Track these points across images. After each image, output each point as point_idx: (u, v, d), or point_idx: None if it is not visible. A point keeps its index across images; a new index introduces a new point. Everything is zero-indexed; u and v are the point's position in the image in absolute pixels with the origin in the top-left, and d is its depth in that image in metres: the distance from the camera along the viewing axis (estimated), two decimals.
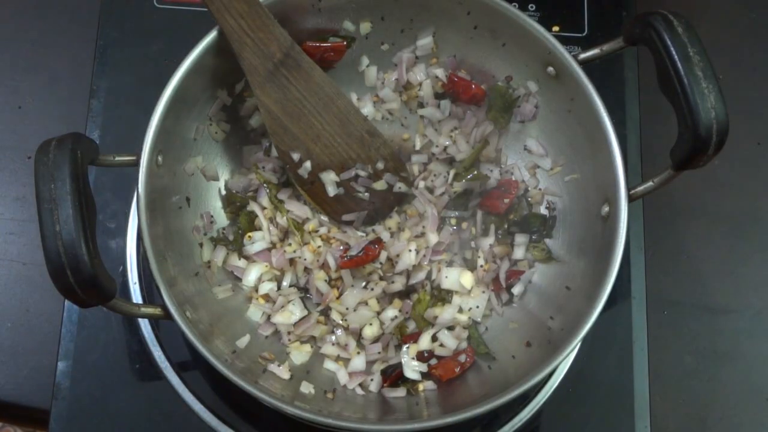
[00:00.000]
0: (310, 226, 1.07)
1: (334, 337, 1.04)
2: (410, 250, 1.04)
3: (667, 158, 0.89)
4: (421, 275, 1.05)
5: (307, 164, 1.04)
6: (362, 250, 1.02)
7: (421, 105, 1.11)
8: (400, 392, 1.01)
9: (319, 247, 1.05)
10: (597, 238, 0.96)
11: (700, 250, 1.17)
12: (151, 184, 0.92)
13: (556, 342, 0.92)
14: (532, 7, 1.19)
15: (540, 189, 1.08)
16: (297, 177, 1.05)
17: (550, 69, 0.99)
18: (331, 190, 1.05)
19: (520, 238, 1.06)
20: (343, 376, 1.02)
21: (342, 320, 1.04)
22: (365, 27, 1.07)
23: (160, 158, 0.94)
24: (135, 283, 1.06)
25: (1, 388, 1.08)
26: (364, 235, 1.07)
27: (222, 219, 1.06)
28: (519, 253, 1.06)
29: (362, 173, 1.06)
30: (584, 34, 1.19)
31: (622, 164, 0.93)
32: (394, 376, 1.01)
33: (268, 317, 1.04)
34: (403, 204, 1.10)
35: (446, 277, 1.05)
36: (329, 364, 1.03)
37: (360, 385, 1.01)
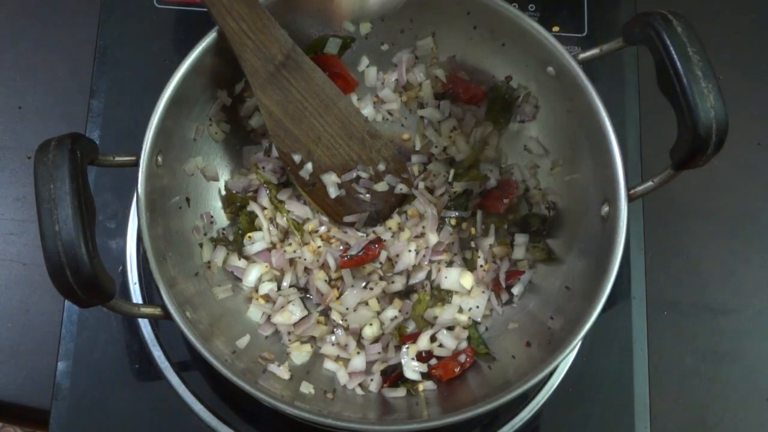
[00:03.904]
0: (310, 226, 1.07)
1: (334, 337, 1.04)
2: (410, 250, 1.04)
3: (667, 158, 0.89)
4: (421, 275, 1.06)
5: (309, 166, 1.04)
6: (362, 249, 1.02)
7: (421, 105, 1.11)
8: (400, 392, 1.01)
9: (319, 247, 1.05)
10: (597, 238, 0.96)
11: (700, 250, 1.17)
12: (151, 184, 0.92)
13: (556, 342, 0.92)
14: (532, 7, 1.19)
15: (540, 189, 1.08)
16: (298, 179, 1.05)
17: (550, 69, 0.99)
18: (333, 192, 1.05)
19: (520, 238, 1.06)
20: (343, 376, 1.02)
21: (342, 320, 1.04)
22: (365, 27, 1.07)
23: (160, 158, 0.94)
24: (135, 283, 1.06)
25: (1, 388, 1.08)
26: (364, 235, 1.07)
27: (222, 219, 1.06)
28: (519, 253, 1.06)
29: (363, 175, 1.06)
30: (584, 34, 1.19)
31: (622, 164, 0.93)
32: (394, 376, 1.01)
33: (268, 317, 1.04)
34: (404, 204, 1.10)
35: (446, 277, 1.05)
36: (329, 364, 1.03)
37: (360, 385, 1.01)
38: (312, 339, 1.04)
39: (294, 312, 1.03)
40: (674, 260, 1.16)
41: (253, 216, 1.06)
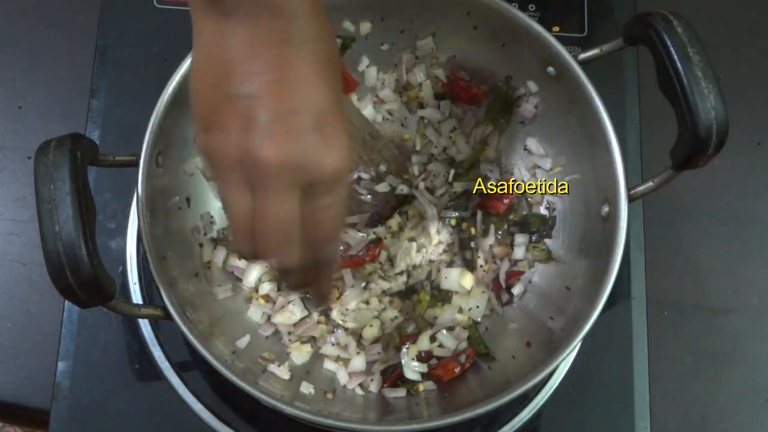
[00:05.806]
0: None
1: (334, 338, 1.04)
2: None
3: (667, 158, 0.89)
4: (421, 275, 1.05)
5: None
6: (362, 249, 1.02)
7: (421, 105, 1.11)
8: (400, 392, 1.01)
9: None
10: (597, 238, 0.96)
11: (700, 250, 1.17)
12: (151, 184, 0.92)
13: (556, 342, 0.92)
14: (532, 7, 1.19)
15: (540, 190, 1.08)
16: None
17: (550, 69, 0.99)
18: None
19: (520, 238, 1.06)
20: (343, 377, 1.02)
21: (342, 320, 1.04)
22: (365, 27, 1.07)
23: (160, 158, 0.94)
24: (135, 284, 1.05)
25: (1, 388, 1.08)
26: (364, 235, 1.07)
27: (222, 219, 1.06)
28: (519, 253, 1.06)
29: (365, 176, 1.06)
30: (584, 34, 1.19)
31: (622, 164, 0.93)
32: (394, 376, 1.01)
33: (269, 317, 1.04)
34: (405, 205, 1.10)
35: (446, 277, 1.05)
36: (329, 365, 1.03)
37: (360, 385, 1.01)
38: (312, 339, 1.04)
39: (294, 312, 1.03)
40: (674, 260, 1.16)
41: None
